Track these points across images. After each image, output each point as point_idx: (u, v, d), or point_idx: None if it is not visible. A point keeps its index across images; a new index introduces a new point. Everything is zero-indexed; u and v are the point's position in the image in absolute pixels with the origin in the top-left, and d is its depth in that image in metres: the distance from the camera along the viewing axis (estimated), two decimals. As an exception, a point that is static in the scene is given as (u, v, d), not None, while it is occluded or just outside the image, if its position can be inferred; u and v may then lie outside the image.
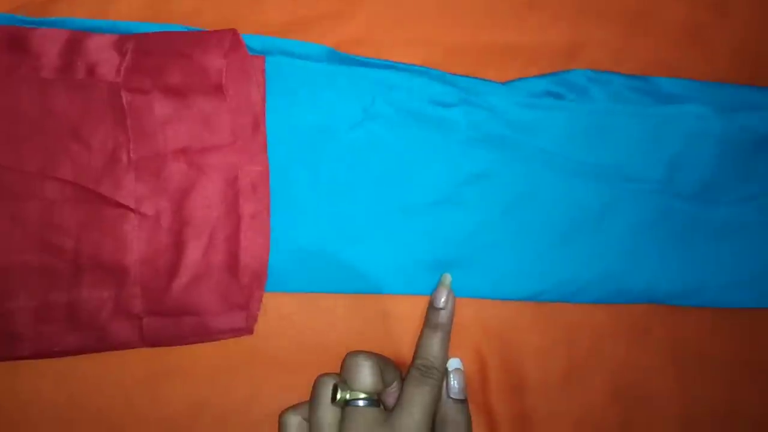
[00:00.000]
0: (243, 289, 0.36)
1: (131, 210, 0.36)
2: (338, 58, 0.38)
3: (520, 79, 0.40)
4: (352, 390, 0.34)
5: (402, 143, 0.39)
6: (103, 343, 0.36)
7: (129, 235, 0.36)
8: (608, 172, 0.40)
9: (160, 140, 0.36)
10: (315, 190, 0.38)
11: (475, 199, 0.39)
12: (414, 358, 0.36)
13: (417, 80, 0.38)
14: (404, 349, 0.39)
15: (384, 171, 0.39)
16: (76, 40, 0.35)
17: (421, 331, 0.37)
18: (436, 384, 0.35)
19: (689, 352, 0.41)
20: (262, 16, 0.39)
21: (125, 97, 0.35)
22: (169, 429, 0.38)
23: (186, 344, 0.37)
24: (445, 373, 0.36)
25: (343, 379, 0.34)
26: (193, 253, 0.36)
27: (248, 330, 0.37)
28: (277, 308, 0.38)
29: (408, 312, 0.39)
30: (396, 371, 0.36)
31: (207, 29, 0.37)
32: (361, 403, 0.33)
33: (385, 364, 0.35)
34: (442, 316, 0.36)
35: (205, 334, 0.36)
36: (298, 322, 0.39)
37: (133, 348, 0.36)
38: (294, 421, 0.35)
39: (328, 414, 0.33)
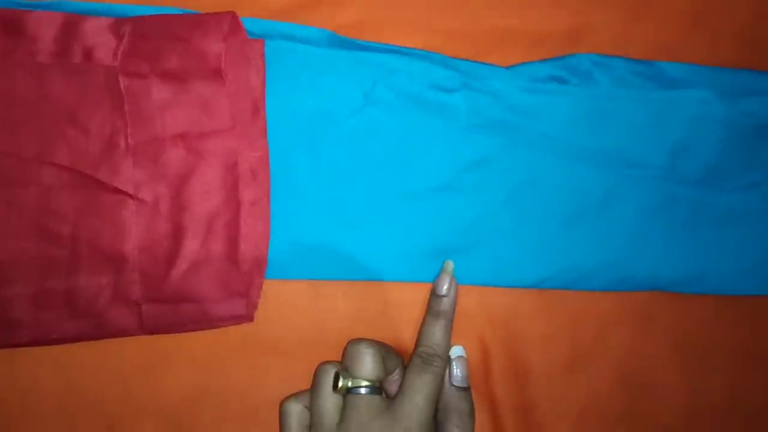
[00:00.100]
0: (243, 276, 0.36)
1: (129, 196, 0.35)
2: (339, 42, 0.38)
3: (522, 63, 0.40)
4: (353, 378, 0.33)
5: (403, 129, 0.38)
6: (101, 330, 0.35)
7: (127, 221, 0.35)
8: (611, 158, 0.40)
9: (158, 125, 0.35)
10: (315, 176, 0.38)
11: (477, 186, 0.39)
12: (416, 345, 0.36)
13: (418, 64, 0.38)
14: (406, 337, 0.39)
15: (385, 157, 0.38)
16: (72, 24, 0.35)
17: (424, 319, 0.37)
18: (439, 372, 0.34)
19: (693, 339, 0.41)
20: (262, -1, 0.39)
21: (123, 81, 0.35)
22: (168, 417, 0.37)
23: (185, 332, 0.36)
24: (448, 360, 0.36)
25: (344, 366, 0.34)
26: (193, 240, 0.36)
27: (248, 317, 0.37)
28: (277, 295, 0.38)
29: (410, 299, 0.39)
30: (398, 359, 0.36)
31: (205, 12, 0.36)
32: (363, 390, 0.33)
33: (387, 351, 0.35)
34: (445, 304, 0.36)
35: (204, 322, 0.36)
36: (298, 310, 0.39)
37: (131, 335, 0.36)
38: (295, 409, 0.34)
39: (329, 402, 0.33)
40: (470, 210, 0.39)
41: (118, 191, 0.35)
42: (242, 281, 0.36)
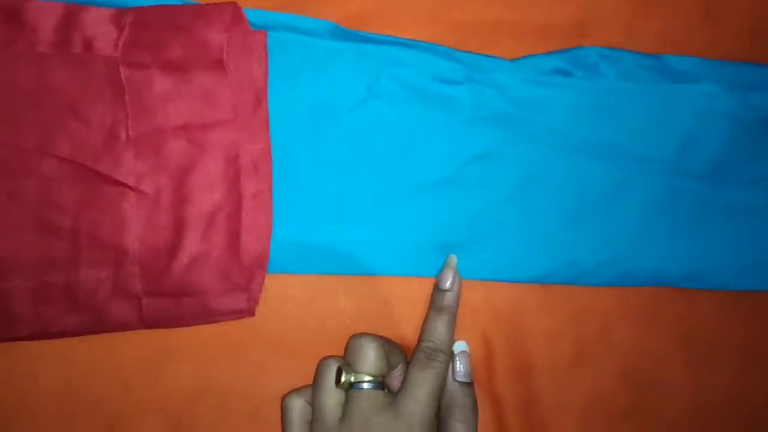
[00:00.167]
0: (244, 270, 0.36)
1: (130, 188, 0.35)
2: (342, 34, 0.38)
3: (528, 56, 0.39)
4: (356, 372, 0.33)
5: (406, 121, 0.38)
6: (101, 324, 0.35)
7: (128, 213, 0.35)
8: (616, 152, 0.39)
9: (159, 116, 0.35)
10: (318, 169, 0.37)
11: (480, 179, 0.39)
12: (419, 340, 0.35)
13: (422, 56, 0.38)
14: (409, 332, 0.38)
15: (388, 149, 0.38)
16: (72, 13, 0.34)
17: (427, 314, 0.36)
18: (442, 367, 0.34)
19: (698, 335, 0.41)
20: (264, -11, 0.38)
21: (124, 72, 0.35)
22: (168, 413, 0.37)
23: (186, 326, 0.36)
24: (451, 356, 0.36)
25: (347, 361, 0.34)
26: (194, 233, 0.35)
27: (250, 312, 0.36)
28: (279, 290, 0.38)
29: (412, 295, 0.39)
30: (401, 354, 0.36)
31: (207, 2, 0.36)
32: (365, 385, 0.33)
33: (389, 346, 0.35)
34: (448, 298, 0.36)
35: (205, 316, 0.36)
36: (300, 304, 0.38)
37: (132, 329, 0.36)
38: (297, 404, 0.34)
39: (331, 397, 0.33)
40: (474, 204, 0.39)
41: (119, 183, 0.35)
42: (244, 275, 0.36)
